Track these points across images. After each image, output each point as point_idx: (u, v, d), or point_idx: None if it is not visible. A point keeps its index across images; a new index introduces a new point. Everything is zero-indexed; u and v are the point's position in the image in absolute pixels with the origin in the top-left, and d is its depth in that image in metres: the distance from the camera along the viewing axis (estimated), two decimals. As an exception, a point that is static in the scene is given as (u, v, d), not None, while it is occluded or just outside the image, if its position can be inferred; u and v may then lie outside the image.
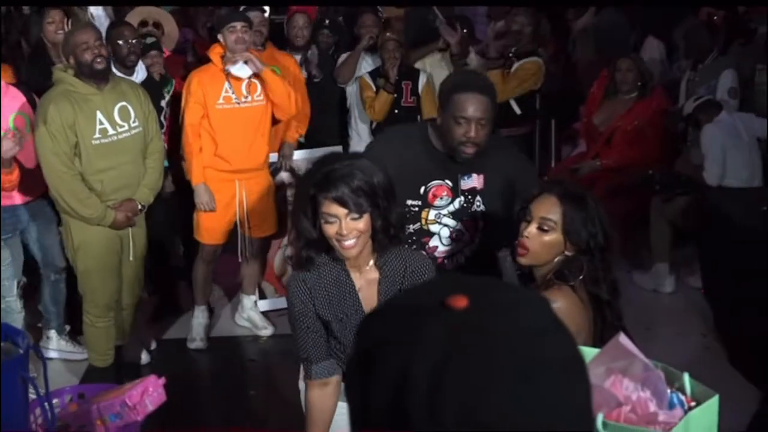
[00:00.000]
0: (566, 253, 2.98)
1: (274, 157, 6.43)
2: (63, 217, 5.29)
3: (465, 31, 7.09)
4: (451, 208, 3.90)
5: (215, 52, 5.85)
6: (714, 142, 6.33)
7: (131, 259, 5.46)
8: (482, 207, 3.89)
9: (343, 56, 7.20)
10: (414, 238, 3.93)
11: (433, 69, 7.10)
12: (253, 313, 6.47)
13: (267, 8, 6.59)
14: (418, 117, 6.73)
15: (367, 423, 1.02)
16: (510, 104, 6.92)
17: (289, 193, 6.49)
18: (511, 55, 7.05)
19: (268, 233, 6.36)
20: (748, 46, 7.53)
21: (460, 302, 1.01)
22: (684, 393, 2.22)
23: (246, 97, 5.87)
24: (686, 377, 2.24)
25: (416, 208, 3.89)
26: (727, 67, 7.12)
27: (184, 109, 5.85)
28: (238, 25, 5.70)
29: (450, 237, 3.93)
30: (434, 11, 7.28)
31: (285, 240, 6.48)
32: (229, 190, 5.98)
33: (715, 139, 6.35)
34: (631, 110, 6.90)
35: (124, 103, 5.21)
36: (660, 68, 8.20)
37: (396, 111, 6.82)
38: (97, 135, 5.11)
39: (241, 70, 5.76)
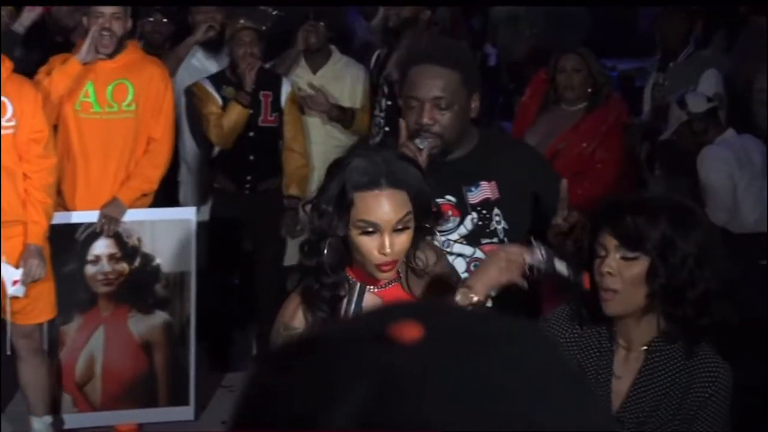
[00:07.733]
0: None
1: (92, 216, 4.50)
2: None
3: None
4: (462, 230, 3.15)
5: None
6: (719, 169, 4.65)
7: None
8: (504, 224, 3.15)
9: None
10: None
11: (300, 72, 5.35)
12: None
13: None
14: (279, 142, 5.09)
15: None
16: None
17: (108, 268, 4.54)
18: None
19: (42, 319, 4.42)
20: (740, 39, 5.66)
21: (410, 331, 0.70)
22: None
23: None
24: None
25: None
26: (709, 65, 5.32)
27: None
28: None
29: (468, 271, 3.08)
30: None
31: (91, 335, 4.60)
32: None
33: (720, 164, 4.67)
34: (579, 126, 5.04)
35: None
36: None
37: (251, 134, 5.03)
38: None
39: None
